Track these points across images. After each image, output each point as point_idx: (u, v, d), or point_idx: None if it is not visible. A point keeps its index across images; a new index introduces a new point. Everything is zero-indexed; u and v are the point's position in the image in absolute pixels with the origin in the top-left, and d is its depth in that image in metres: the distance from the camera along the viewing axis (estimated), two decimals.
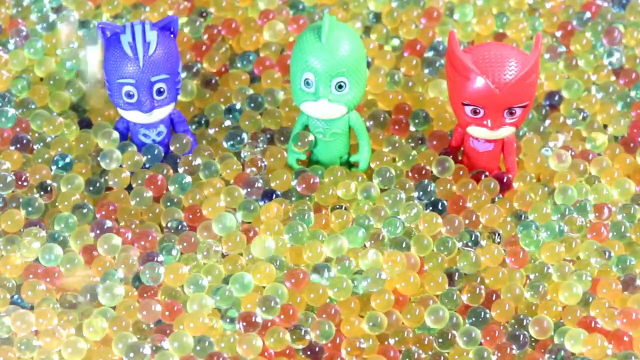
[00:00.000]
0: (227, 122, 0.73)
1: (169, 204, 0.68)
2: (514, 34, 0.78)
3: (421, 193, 0.68)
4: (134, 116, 0.67)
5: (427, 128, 0.73)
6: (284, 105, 0.74)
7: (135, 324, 0.63)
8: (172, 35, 0.67)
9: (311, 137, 0.68)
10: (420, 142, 0.71)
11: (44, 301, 0.63)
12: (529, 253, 0.66)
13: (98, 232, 0.65)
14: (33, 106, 0.72)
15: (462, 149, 0.70)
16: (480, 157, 0.69)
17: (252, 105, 0.73)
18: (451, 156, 0.69)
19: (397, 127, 0.72)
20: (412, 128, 0.73)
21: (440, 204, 0.67)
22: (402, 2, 0.79)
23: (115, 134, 0.69)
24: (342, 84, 0.66)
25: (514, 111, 0.66)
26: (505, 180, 0.69)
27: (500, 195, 0.69)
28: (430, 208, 0.67)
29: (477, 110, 0.66)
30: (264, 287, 0.63)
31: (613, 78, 0.76)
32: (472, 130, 0.67)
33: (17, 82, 0.73)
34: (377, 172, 0.68)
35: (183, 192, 0.68)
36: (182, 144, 0.69)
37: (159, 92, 0.67)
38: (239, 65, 0.76)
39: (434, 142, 0.71)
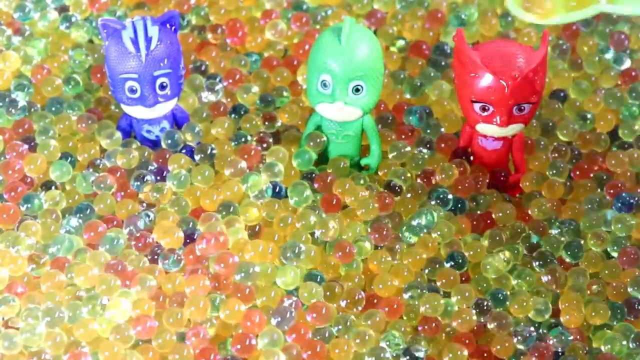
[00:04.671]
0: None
1: None
2: (518, 35, 0.77)
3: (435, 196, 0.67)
4: (137, 111, 0.68)
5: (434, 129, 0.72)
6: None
7: None
8: (172, 29, 0.66)
9: (324, 138, 0.68)
10: (427, 145, 0.70)
11: None
12: None
13: None
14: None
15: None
16: (489, 155, 0.68)
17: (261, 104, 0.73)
18: (463, 157, 0.68)
19: (403, 130, 0.71)
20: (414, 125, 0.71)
21: (460, 203, 0.66)
22: (406, 3, 0.78)
23: (118, 134, 0.69)
24: (359, 87, 0.65)
25: (522, 107, 0.65)
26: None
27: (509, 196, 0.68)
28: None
29: (486, 107, 0.65)
30: None
31: (619, 81, 0.76)
32: (481, 127, 0.66)
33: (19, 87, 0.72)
34: (392, 173, 0.67)
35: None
36: (174, 140, 0.68)
37: (162, 87, 0.67)
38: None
39: (442, 145, 0.70)
